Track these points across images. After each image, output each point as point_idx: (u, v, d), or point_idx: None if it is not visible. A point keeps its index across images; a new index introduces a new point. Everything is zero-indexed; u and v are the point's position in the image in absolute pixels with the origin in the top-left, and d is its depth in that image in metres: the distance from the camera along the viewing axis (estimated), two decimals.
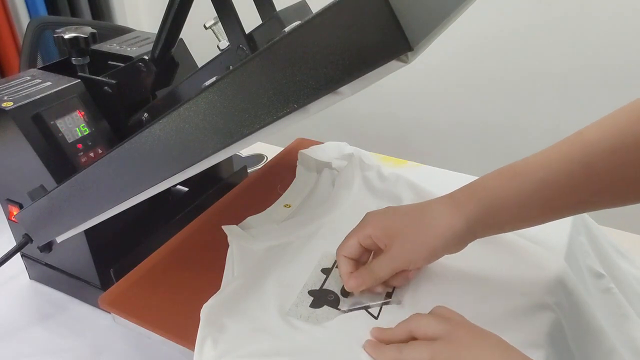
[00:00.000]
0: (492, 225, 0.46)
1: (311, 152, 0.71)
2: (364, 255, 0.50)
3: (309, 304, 0.49)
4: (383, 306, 0.48)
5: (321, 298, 0.49)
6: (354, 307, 0.48)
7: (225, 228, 0.58)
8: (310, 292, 0.50)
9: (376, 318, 0.47)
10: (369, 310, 0.48)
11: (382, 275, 0.47)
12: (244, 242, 0.56)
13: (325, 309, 0.48)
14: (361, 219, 0.50)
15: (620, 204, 0.44)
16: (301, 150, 0.71)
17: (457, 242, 0.46)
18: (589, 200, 0.44)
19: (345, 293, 0.50)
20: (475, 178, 0.56)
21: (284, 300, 0.49)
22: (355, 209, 0.60)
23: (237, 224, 0.60)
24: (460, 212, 0.45)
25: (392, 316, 0.46)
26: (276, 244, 0.56)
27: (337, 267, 0.52)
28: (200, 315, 0.46)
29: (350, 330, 0.45)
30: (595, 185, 0.42)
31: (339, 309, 0.48)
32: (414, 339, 0.42)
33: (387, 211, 0.49)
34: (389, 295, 0.49)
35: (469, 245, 0.51)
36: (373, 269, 0.47)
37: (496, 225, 0.46)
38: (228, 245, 0.57)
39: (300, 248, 0.55)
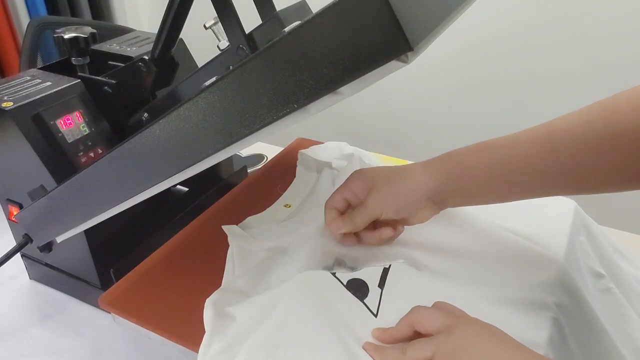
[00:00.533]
0: (461, 193, 0.49)
1: (311, 152, 0.71)
2: (349, 209, 0.54)
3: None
4: (381, 305, 0.48)
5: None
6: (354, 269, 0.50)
7: (225, 228, 0.59)
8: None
9: (375, 316, 0.47)
10: (366, 302, 0.48)
11: (358, 221, 0.52)
12: (244, 242, 0.56)
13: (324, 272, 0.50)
14: None
15: (581, 192, 0.47)
16: (301, 150, 0.71)
17: (425, 202, 0.50)
18: (553, 182, 0.46)
19: (344, 269, 0.51)
20: None
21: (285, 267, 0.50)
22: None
23: (237, 224, 0.60)
24: (431, 174, 0.49)
25: (391, 314, 0.46)
26: (276, 244, 0.56)
27: (338, 264, 0.52)
28: (205, 308, 0.47)
29: (351, 330, 0.45)
30: (558, 168, 0.45)
31: (338, 279, 0.49)
32: (417, 334, 0.42)
33: (369, 169, 0.54)
34: (382, 281, 0.49)
35: (469, 245, 0.51)
36: (351, 215, 0.52)
37: (465, 193, 0.49)
38: (228, 245, 0.57)
39: (300, 248, 0.55)
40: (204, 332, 0.47)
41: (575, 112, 0.45)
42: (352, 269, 0.51)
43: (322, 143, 0.75)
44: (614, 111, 0.43)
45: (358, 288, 0.49)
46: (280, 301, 0.47)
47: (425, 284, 0.50)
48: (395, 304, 0.46)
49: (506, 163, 0.46)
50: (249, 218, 0.61)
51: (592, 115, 0.44)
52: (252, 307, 0.48)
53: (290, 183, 0.68)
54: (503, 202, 0.49)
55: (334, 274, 0.50)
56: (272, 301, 0.47)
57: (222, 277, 0.53)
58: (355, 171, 0.54)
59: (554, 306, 0.46)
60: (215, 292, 0.50)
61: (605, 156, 0.43)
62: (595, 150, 0.43)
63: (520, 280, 0.49)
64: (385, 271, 0.50)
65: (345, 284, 0.49)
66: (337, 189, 0.54)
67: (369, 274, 0.50)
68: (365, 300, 0.48)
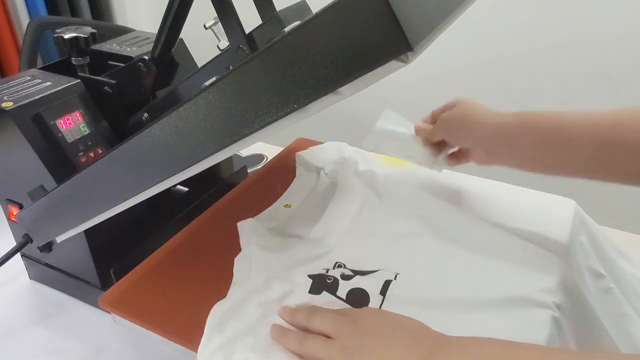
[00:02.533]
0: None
1: (309, 153, 0.71)
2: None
3: (308, 289, 0.50)
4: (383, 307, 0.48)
5: (320, 285, 0.50)
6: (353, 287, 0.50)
7: (243, 223, 0.59)
8: (310, 276, 0.51)
9: None
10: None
11: (435, 134, 0.60)
12: (263, 240, 0.56)
13: (325, 294, 0.49)
14: (359, 223, 0.58)
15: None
16: (298, 153, 0.71)
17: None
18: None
19: (345, 278, 0.51)
20: (474, 178, 0.56)
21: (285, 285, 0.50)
22: (353, 213, 0.60)
23: (236, 225, 0.59)
24: (508, 139, 0.55)
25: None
26: (278, 246, 0.56)
27: (338, 266, 0.52)
28: (208, 318, 0.47)
29: None
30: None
31: (338, 296, 0.49)
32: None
33: (470, 106, 0.59)
34: (385, 288, 0.49)
35: (468, 245, 0.51)
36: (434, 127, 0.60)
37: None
38: (228, 245, 0.57)
39: (300, 250, 0.55)
40: (204, 332, 0.47)
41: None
42: (352, 272, 0.51)
43: (322, 143, 0.75)
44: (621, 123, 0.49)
45: (358, 299, 0.48)
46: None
47: (422, 282, 0.50)
48: (397, 309, 0.46)
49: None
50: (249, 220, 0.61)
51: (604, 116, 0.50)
52: (252, 312, 0.48)
53: (290, 183, 0.68)
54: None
55: (334, 294, 0.49)
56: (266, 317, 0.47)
57: (222, 277, 0.53)
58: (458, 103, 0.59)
59: (553, 306, 0.46)
60: (223, 302, 0.49)
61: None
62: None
63: (520, 280, 0.49)
64: (387, 283, 0.50)
65: (345, 297, 0.49)
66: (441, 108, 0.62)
67: (370, 283, 0.50)
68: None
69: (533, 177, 0.59)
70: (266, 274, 0.51)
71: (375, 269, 0.51)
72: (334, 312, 0.45)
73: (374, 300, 0.48)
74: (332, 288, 0.50)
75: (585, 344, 0.50)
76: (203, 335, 0.45)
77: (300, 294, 0.49)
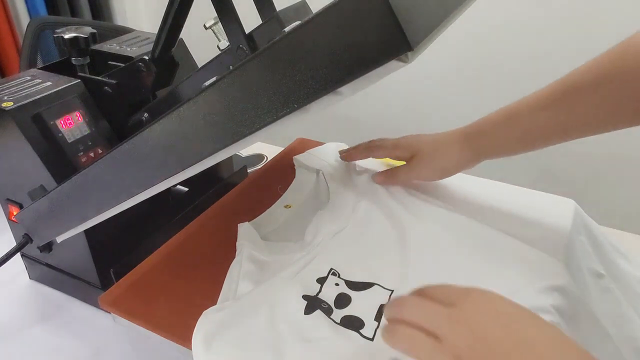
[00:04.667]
0: (492, 157, 0.58)
1: (307, 156, 0.71)
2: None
3: (303, 309, 0.47)
4: (378, 332, 0.46)
5: (314, 305, 0.48)
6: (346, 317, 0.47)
7: (240, 227, 0.58)
8: (305, 297, 0.49)
9: (372, 340, 0.45)
10: (362, 331, 0.46)
11: (401, 179, 0.61)
12: (257, 251, 0.55)
13: (318, 313, 0.47)
14: (360, 226, 0.57)
15: (597, 132, 0.51)
16: (295, 157, 0.71)
17: (460, 169, 0.60)
18: (570, 123, 0.52)
19: (339, 305, 0.48)
20: (474, 178, 0.56)
21: (278, 307, 0.48)
22: (352, 215, 0.59)
23: (236, 225, 0.59)
24: (468, 152, 0.58)
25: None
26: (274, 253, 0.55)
27: (332, 274, 0.51)
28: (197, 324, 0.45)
29: (343, 353, 0.43)
30: (574, 118, 0.51)
31: (332, 319, 0.47)
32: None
33: (414, 137, 0.62)
34: (379, 314, 0.47)
35: (468, 245, 0.51)
36: (394, 173, 0.62)
37: (495, 157, 0.58)
38: (228, 245, 0.57)
39: (294, 257, 0.54)
40: None
41: (586, 63, 0.52)
42: (346, 284, 0.50)
43: (322, 143, 0.75)
44: (621, 57, 0.49)
45: (352, 323, 0.46)
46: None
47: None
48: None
49: (528, 131, 0.54)
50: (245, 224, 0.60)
51: (603, 61, 0.51)
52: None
53: (290, 183, 0.68)
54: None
55: (329, 316, 0.47)
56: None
57: (222, 277, 0.53)
58: (404, 137, 0.62)
59: (552, 309, 0.46)
60: (211, 311, 0.47)
61: (616, 92, 0.48)
62: (607, 89, 0.49)
63: (518, 283, 0.49)
64: (382, 307, 0.48)
65: (339, 321, 0.47)
66: (387, 148, 0.63)
67: (364, 309, 0.48)
68: (360, 331, 0.46)
69: (533, 177, 0.59)
70: (252, 297, 0.49)
71: (370, 281, 0.51)
72: (434, 301, 0.37)
73: (369, 326, 0.46)
74: (327, 313, 0.47)
75: (585, 345, 0.50)
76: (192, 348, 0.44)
77: (294, 313, 0.47)
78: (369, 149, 0.65)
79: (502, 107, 0.56)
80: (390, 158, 0.64)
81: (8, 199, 0.59)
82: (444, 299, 0.37)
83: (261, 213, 0.63)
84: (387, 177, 0.62)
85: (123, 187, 0.43)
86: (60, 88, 0.55)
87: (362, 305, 0.48)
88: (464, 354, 0.33)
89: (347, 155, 0.68)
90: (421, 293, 0.39)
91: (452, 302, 0.37)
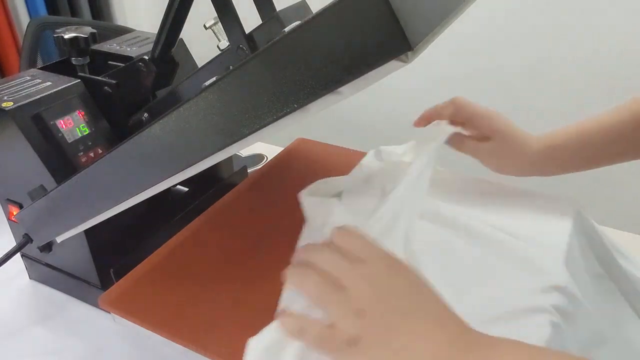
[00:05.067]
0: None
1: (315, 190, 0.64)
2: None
3: None
4: None
5: None
6: None
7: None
8: None
9: None
10: None
11: (473, 153, 0.60)
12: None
13: None
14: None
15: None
16: (302, 196, 0.61)
17: (531, 173, 0.60)
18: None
19: None
20: (474, 178, 0.56)
21: None
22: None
23: (236, 225, 0.59)
24: (544, 157, 0.59)
25: None
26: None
27: None
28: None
29: None
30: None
31: None
32: None
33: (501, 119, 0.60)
34: None
35: (468, 246, 0.51)
36: (475, 147, 0.60)
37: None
38: (228, 245, 0.57)
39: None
40: (204, 332, 0.47)
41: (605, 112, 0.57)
42: None
43: (322, 143, 0.75)
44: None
45: None
46: None
47: None
48: None
49: (598, 155, 0.58)
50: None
51: (620, 111, 0.56)
52: None
53: (290, 183, 0.67)
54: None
55: None
56: None
57: (222, 277, 0.53)
58: (490, 113, 0.59)
59: (552, 309, 0.46)
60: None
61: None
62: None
63: (519, 281, 0.49)
64: None
65: None
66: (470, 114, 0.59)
67: None
68: None
69: (533, 177, 0.59)
70: None
71: None
72: (342, 255, 0.38)
73: None
74: None
75: (586, 346, 0.50)
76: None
77: None
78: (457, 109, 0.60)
79: (571, 125, 0.59)
80: (467, 128, 0.60)
81: (8, 199, 0.59)
82: (353, 250, 0.39)
83: (261, 213, 0.63)
84: (457, 142, 0.60)
85: (123, 187, 0.43)
86: (60, 88, 0.55)
87: None
88: (366, 306, 0.35)
89: (432, 116, 0.62)
90: (333, 241, 0.40)
91: (359, 257, 0.38)
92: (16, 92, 0.54)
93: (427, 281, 0.39)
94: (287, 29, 0.33)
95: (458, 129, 0.60)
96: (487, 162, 0.61)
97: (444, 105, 0.60)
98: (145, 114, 0.57)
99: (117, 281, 0.54)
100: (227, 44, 0.51)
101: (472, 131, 0.60)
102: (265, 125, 0.34)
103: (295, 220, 0.62)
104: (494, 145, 0.59)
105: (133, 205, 0.45)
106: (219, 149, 0.36)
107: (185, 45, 0.66)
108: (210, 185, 0.71)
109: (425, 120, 0.62)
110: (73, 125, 0.55)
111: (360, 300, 0.36)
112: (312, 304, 0.38)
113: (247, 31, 0.49)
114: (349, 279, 0.37)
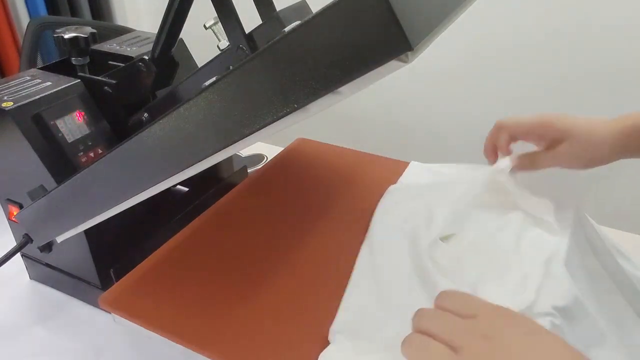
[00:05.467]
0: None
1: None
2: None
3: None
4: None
5: None
6: None
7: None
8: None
9: None
10: None
11: (545, 165, 0.57)
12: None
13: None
14: None
15: None
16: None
17: (610, 159, 0.56)
18: None
19: None
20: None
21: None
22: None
23: (236, 225, 0.59)
24: (621, 142, 0.55)
25: None
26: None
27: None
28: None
29: None
30: None
31: None
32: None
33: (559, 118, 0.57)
34: None
35: (467, 247, 0.51)
36: (537, 158, 0.57)
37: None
38: (228, 245, 0.57)
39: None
40: (204, 332, 0.47)
41: None
42: None
43: (322, 143, 0.75)
44: None
45: None
46: None
47: (420, 288, 0.49)
48: None
49: None
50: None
51: None
52: None
53: (290, 183, 0.68)
54: None
55: None
56: None
57: (222, 277, 0.53)
58: (546, 118, 0.56)
59: (552, 309, 0.46)
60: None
61: None
62: None
63: (520, 282, 0.49)
64: None
65: None
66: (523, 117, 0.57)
67: None
68: None
69: (532, 177, 0.59)
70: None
71: None
72: (454, 315, 0.38)
73: None
74: None
75: (586, 347, 0.50)
76: None
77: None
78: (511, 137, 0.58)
79: None
80: (530, 141, 0.58)
81: (8, 199, 0.59)
82: (461, 309, 0.38)
83: (261, 213, 0.63)
84: (528, 163, 0.58)
85: (123, 187, 0.43)
86: (60, 88, 0.55)
87: None
88: (488, 356, 0.34)
89: (492, 148, 0.60)
90: (439, 305, 0.39)
91: (468, 313, 0.37)
92: (16, 92, 0.54)
93: (541, 326, 0.37)
94: (287, 29, 0.33)
95: (509, 160, 0.58)
96: (570, 164, 0.57)
97: (494, 135, 0.59)
98: (145, 114, 0.57)
99: (117, 281, 0.54)
100: (227, 44, 0.51)
101: (537, 143, 0.58)
102: (265, 125, 0.33)
103: (295, 220, 0.62)
104: (569, 145, 0.55)
105: (133, 205, 0.45)
106: (219, 149, 0.36)
107: (185, 45, 0.66)
108: (210, 185, 0.71)
109: (492, 158, 0.60)
110: (73, 125, 0.54)
111: (480, 354, 0.34)
112: None
113: (247, 31, 0.49)
114: (465, 337, 0.35)
